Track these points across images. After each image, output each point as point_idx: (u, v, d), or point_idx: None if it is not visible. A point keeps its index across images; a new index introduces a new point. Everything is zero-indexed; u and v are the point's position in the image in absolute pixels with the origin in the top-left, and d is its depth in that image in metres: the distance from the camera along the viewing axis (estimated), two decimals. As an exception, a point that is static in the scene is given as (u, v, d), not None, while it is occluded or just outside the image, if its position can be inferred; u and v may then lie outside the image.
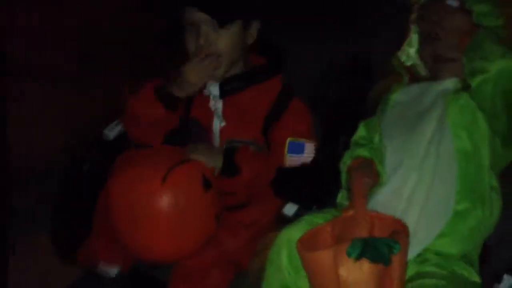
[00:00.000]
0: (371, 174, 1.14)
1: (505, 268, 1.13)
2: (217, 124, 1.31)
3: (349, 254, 0.89)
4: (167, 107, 1.27)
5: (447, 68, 1.23)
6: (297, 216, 1.23)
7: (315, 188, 1.27)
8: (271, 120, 1.30)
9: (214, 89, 1.30)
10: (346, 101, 1.39)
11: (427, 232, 1.11)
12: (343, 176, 1.24)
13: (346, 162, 1.24)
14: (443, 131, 1.16)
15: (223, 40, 1.24)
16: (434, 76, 1.27)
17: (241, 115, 1.30)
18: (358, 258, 0.88)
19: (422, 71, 1.32)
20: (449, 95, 1.18)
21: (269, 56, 1.33)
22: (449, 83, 1.22)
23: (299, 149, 1.28)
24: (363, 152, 1.22)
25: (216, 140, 1.32)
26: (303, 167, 1.26)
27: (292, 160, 1.27)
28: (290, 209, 1.27)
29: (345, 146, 1.29)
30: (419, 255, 1.10)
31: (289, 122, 1.29)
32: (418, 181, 1.14)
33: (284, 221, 1.22)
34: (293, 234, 1.07)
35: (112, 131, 1.36)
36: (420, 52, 1.31)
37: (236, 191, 1.28)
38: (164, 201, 1.19)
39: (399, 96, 1.28)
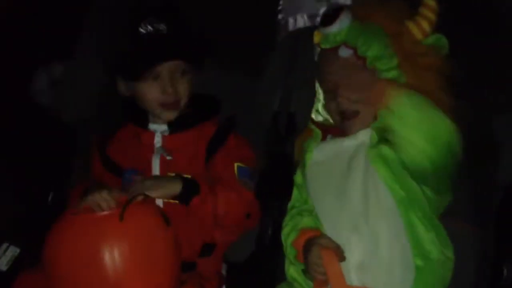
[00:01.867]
0: (336, 245, 1.05)
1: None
2: (157, 161, 1.24)
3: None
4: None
5: (355, 123, 1.13)
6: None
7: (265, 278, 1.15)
8: (213, 150, 1.26)
9: (161, 127, 1.27)
10: (273, 166, 1.19)
11: None
12: (290, 251, 1.11)
13: (290, 234, 1.12)
14: (377, 188, 1.08)
15: (185, 86, 1.25)
16: (345, 131, 1.16)
17: (183, 151, 1.26)
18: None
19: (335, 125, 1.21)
20: (370, 150, 1.10)
21: (207, 100, 1.32)
22: (363, 135, 1.13)
23: (248, 174, 1.25)
24: (308, 222, 1.11)
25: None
26: (251, 260, 1.19)
27: (245, 183, 1.23)
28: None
29: (280, 213, 1.17)
30: None
31: (232, 148, 1.27)
32: (367, 246, 1.06)
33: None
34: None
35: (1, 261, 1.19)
36: (326, 108, 1.20)
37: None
38: (128, 240, 1.03)
39: (315, 155, 1.17)
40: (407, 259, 1.05)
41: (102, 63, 1.32)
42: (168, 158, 1.24)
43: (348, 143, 1.14)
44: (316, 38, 1.18)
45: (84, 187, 1.19)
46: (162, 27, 1.21)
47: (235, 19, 1.41)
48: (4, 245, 1.20)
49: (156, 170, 1.24)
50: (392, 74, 1.10)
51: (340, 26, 1.12)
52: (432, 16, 1.13)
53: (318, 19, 1.21)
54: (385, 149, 1.08)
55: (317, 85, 1.21)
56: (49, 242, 1.07)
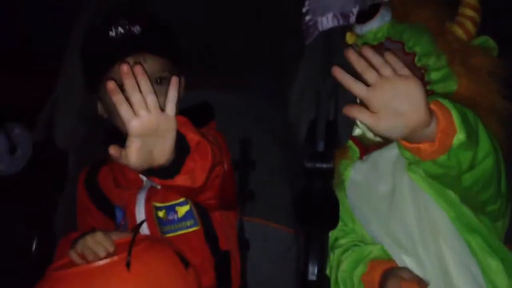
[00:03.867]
0: (420, 278, 0.87)
1: None
2: (143, 196, 1.00)
3: None
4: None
5: None
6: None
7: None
8: None
9: None
10: (314, 185, 0.93)
11: None
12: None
13: (357, 268, 0.93)
14: (429, 206, 0.91)
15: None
16: (384, 141, 1.00)
17: None
18: None
19: (371, 137, 1.03)
20: (408, 166, 0.93)
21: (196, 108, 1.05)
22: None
23: None
24: (378, 252, 0.93)
25: (141, 214, 0.99)
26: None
27: None
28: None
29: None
30: None
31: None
32: (433, 276, 0.88)
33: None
34: None
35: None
36: None
37: None
38: None
39: (353, 175, 1.01)
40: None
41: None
42: (159, 187, 1.00)
43: (383, 157, 0.97)
44: (350, 39, 1.06)
45: (75, 236, 0.93)
46: (136, 29, 0.98)
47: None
48: None
49: (140, 207, 1.00)
50: (443, 72, 0.96)
51: (381, 21, 0.99)
52: (475, 15, 1.00)
53: (353, 18, 1.02)
54: (419, 167, 0.90)
55: None
56: None
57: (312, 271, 0.85)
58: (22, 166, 1.10)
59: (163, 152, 0.77)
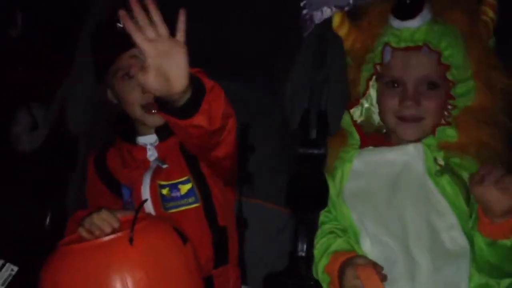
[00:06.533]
0: (374, 262, 0.87)
1: None
2: (148, 176, 1.04)
3: None
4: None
5: (411, 129, 0.95)
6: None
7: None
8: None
9: (150, 137, 1.08)
10: (304, 170, 0.95)
11: None
12: (323, 278, 0.93)
13: (322, 259, 0.94)
14: (442, 210, 0.90)
15: None
16: (394, 136, 0.99)
17: (176, 155, 1.06)
18: None
19: (377, 119, 1.03)
20: (432, 177, 0.92)
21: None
22: (413, 151, 0.95)
23: None
24: (341, 244, 0.94)
25: (146, 192, 1.04)
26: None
27: None
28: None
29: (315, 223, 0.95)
30: None
31: None
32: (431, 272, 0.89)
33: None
34: None
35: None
36: (381, 105, 0.99)
37: None
38: (143, 267, 0.79)
39: (355, 165, 0.99)
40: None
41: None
42: (164, 166, 1.05)
43: (394, 156, 0.96)
44: (337, 18, 1.03)
45: (83, 214, 0.96)
46: None
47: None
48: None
49: (146, 185, 1.04)
50: (467, 86, 0.94)
51: (421, 21, 0.93)
52: (493, 15, 0.97)
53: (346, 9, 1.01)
54: (446, 180, 0.91)
55: (371, 86, 1.01)
56: (45, 282, 0.83)
57: (301, 248, 0.89)
58: (39, 143, 1.14)
59: (178, 76, 0.79)
